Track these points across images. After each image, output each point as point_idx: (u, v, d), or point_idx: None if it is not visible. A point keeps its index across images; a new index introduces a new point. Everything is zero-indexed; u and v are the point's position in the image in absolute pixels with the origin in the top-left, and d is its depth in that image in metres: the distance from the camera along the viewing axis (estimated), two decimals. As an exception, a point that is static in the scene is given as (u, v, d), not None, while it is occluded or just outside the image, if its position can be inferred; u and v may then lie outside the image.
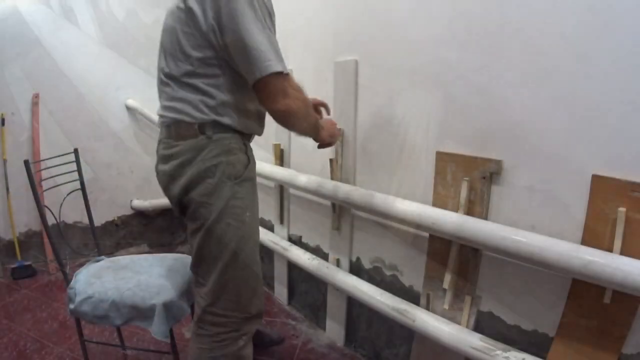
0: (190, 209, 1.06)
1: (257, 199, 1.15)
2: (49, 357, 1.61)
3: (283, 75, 0.97)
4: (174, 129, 1.05)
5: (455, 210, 1.21)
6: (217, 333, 1.06)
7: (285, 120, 1.04)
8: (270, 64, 0.93)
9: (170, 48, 1.03)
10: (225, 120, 1.02)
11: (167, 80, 1.05)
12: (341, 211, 1.67)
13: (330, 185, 1.56)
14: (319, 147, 1.28)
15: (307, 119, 1.09)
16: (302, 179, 1.71)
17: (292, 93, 0.99)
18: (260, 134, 1.19)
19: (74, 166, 1.53)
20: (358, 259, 1.67)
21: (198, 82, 1.01)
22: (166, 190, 1.10)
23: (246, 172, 1.07)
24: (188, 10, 0.97)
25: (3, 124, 2.28)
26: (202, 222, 1.04)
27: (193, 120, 1.01)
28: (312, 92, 1.82)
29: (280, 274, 2.11)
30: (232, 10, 0.92)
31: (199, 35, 0.97)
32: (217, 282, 1.05)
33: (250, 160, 1.09)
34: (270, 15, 1.02)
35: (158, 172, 1.12)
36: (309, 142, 1.83)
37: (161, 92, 1.09)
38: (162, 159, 1.09)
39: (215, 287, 1.06)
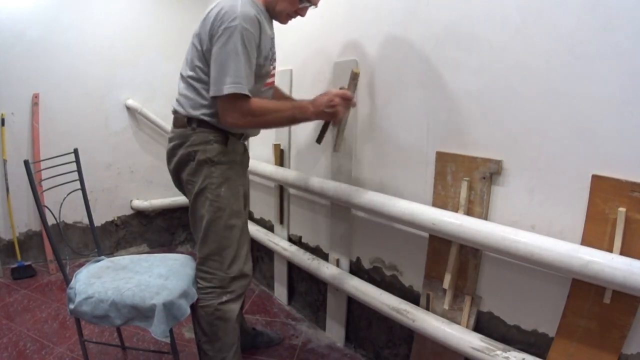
0: (183, 186, 1.33)
1: (236, 178, 1.31)
2: (49, 357, 1.61)
3: (235, 97, 1.15)
4: (174, 118, 1.32)
5: (455, 210, 1.21)
6: (205, 287, 1.29)
7: (242, 129, 1.31)
8: (222, 87, 1.15)
9: (187, 55, 1.29)
10: (208, 119, 1.24)
11: (180, 79, 1.31)
12: (339, 209, 1.67)
13: (330, 185, 1.56)
14: (324, 126, 1.35)
15: (270, 124, 1.37)
16: (302, 179, 1.71)
17: (246, 119, 1.19)
18: (251, 135, 1.41)
19: (74, 166, 1.53)
20: (358, 259, 1.67)
21: (197, 84, 1.25)
22: (168, 165, 1.35)
23: (221, 157, 1.26)
24: (197, 34, 1.24)
25: (3, 124, 2.28)
26: (190, 195, 1.30)
27: (185, 114, 1.26)
28: (311, 92, 1.83)
29: (280, 274, 2.11)
30: (221, 42, 1.15)
31: (201, 53, 1.22)
32: (202, 242, 1.29)
33: (228, 148, 1.28)
34: (257, 50, 1.20)
35: (166, 151, 1.37)
36: (309, 141, 1.83)
37: (178, 88, 1.33)
38: (168, 140, 1.35)
39: (201, 246, 1.30)
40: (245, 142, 1.42)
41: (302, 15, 1.32)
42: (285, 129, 1.95)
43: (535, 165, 1.06)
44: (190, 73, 1.25)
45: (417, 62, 1.33)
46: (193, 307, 1.31)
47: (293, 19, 1.32)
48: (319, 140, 1.37)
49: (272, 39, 1.33)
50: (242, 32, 1.14)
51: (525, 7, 1.04)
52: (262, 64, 1.24)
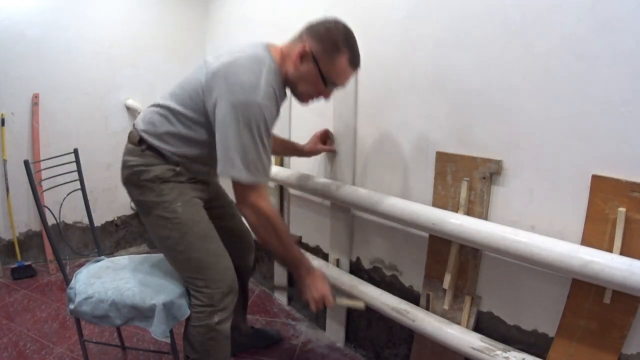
0: (134, 203, 1.26)
1: (189, 191, 1.22)
2: (49, 357, 1.61)
3: (250, 187, 1.09)
4: (130, 132, 1.24)
5: (455, 210, 1.21)
6: (195, 305, 1.21)
7: (249, 226, 1.19)
8: (245, 174, 1.06)
9: (182, 87, 1.18)
10: (165, 152, 1.17)
11: (155, 106, 1.22)
12: (338, 209, 1.67)
13: (330, 185, 1.56)
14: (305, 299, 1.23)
15: (274, 242, 1.16)
16: (302, 179, 1.71)
17: (256, 212, 1.11)
18: (209, 175, 1.29)
19: (74, 166, 1.53)
20: (358, 259, 1.67)
21: (171, 118, 1.16)
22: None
23: (168, 175, 1.18)
24: (204, 81, 1.10)
25: (3, 124, 2.28)
26: (144, 217, 1.22)
27: (141, 133, 1.18)
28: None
29: (280, 274, 2.11)
30: (239, 119, 1.03)
31: (200, 103, 1.12)
32: (178, 265, 1.22)
33: (178, 169, 1.19)
34: (269, 130, 1.10)
35: None
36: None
37: (147, 110, 1.25)
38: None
39: (180, 270, 1.23)
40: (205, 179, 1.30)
41: (327, 98, 1.19)
42: (285, 129, 1.95)
43: (535, 165, 1.06)
44: (172, 105, 1.16)
45: (417, 62, 1.33)
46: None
47: (315, 101, 1.20)
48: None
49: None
50: (264, 113, 1.04)
51: (525, 7, 1.04)
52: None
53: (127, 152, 1.21)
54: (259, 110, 1.03)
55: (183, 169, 1.21)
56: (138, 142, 1.18)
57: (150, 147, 1.17)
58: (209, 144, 1.14)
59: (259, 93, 1.04)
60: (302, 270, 1.21)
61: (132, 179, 1.19)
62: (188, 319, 1.22)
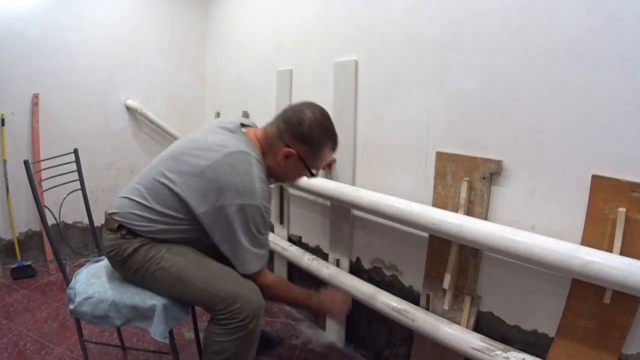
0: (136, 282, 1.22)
1: (173, 246, 1.19)
2: (49, 357, 1.61)
3: (257, 274, 1.16)
4: (106, 219, 1.19)
5: (455, 210, 1.21)
6: (228, 323, 1.13)
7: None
8: (253, 266, 1.14)
9: (151, 181, 1.16)
10: (149, 234, 1.15)
11: (133, 196, 1.17)
12: (340, 211, 1.67)
13: (330, 185, 1.56)
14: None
15: (285, 301, 1.40)
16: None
17: (264, 290, 1.17)
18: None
19: (74, 166, 1.53)
20: (358, 259, 1.67)
21: (151, 211, 1.13)
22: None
23: (150, 241, 1.16)
24: (180, 193, 1.11)
25: (3, 124, 2.28)
26: (142, 282, 1.19)
27: (120, 222, 1.15)
28: (311, 92, 1.83)
29: (280, 274, 2.11)
30: (241, 220, 1.08)
31: (180, 200, 1.11)
32: (195, 302, 1.20)
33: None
34: (267, 224, 1.16)
35: None
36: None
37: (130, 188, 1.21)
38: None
39: (197, 303, 1.20)
40: None
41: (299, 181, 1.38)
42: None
43: (535, 165, 1.06)
44: (156, 206, 1.13)
45: (417, 62, 1.33)
46: (192, 307, 1.27)
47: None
48: None
49: None
50: (263, 212, 1.09)
51: (525, 7, 1.04)
52: None
53: (108, 239, 1.18)
54: (258, 212, 1.09)
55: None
56: (117, 229, 1.15)
57: (130, 234, 1.15)
58: (195, 234, 1.18)
59: (257, 197, 1.08)
60: (312, 305, 1.29)
61: (119, 261, 1.17)
62: (212, 335, 1.16)
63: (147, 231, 1.15)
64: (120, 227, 1.16)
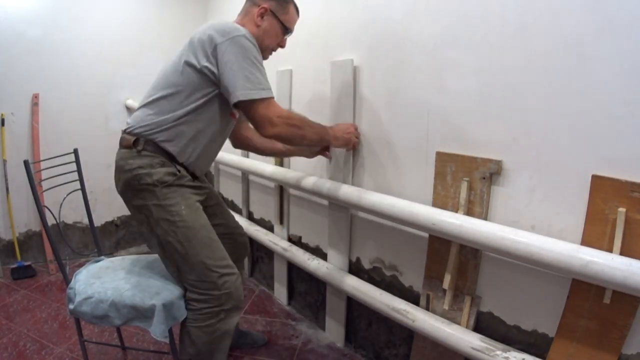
0: (133, 212, 1.25)
1: (190, 195, 1.24)
2: (49, 357, 1.61)
3: (265, 103, 1.15)
4: (121, 137, 1.25)
5: (455, 210, 1.21)
6: (200, 308, 1.20)
7: (282, 141, 1.29)
8: (255, 92, 1.13)
9: (160, 77, 1.25)
10: (164, 144, 1.19)
11: (141, 106, 1.26)
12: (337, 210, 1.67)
13: (330, 185, 1.56)
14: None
15: (304, 140, 1.26)
16: (302, 179, 1.71)
17: (278, 121, 1.16)
18: (192, 168, 1.28)
19: (73, 166, 1.53)
20: (358, 259, 1.67)
21: (166, 105, 1.19)
22: (117, 188, 1.27)
23: (170, 179, 1.19)
24: (185, 60, 1.17)
25: (3, 124, 2.28)
26: (146, 225, 1.22)
27: (137, 132, 1.20)
28: (311, 92, 1.82)
29: (280, 274, 2.11)
30: (233, 51, 1.13)
31: (192, 63, 1.16)
32: (182, 270, 1.21)
33: (175, 173, 1.21)
34: (260, 56, 1.20)
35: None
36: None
37: (136, 112, 1.29)
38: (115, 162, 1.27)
39: (184, 275, 1.21)
40: (200, 179, 1.35)
41: (284, 46, 1.38)
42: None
43: (535, 165, 1.06)
44: (163, 93, 1.19)
45: (417, 62, 1.33)
46: (183, 324, 1.24)
47: (274, 53, 1.38)
48: None
49: None
50: (252, 40, 1.16)
51: (525, 7, 1.04)
52: None
53: (122, 158, 1.21)
54: (247, 40, 1.15)
55: (184, 171, 1.23)
56: (133, 144, 1.19)
57: (147, 148, 1.19)
58: (207, 118, 1.22)
59: (243, 31, 1.16)
60: (329, 134, 1.36)
61: (132, 184, 1.18)
62: (186, 321, 1.22)
63: (161, 130, 1.18)
64: (137, 143, 1.19)
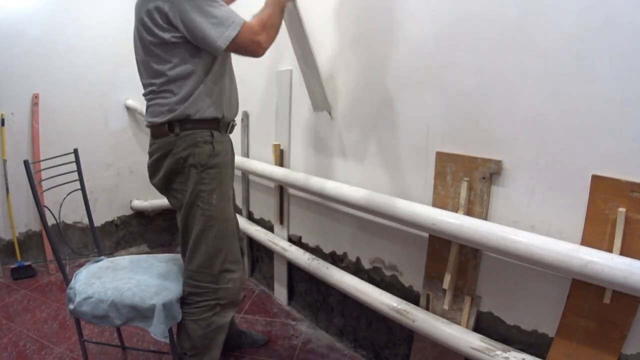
0: (172, 195, 1.27)
1: (228, 181, 1.30)
2: (49, 357, 1.61)
3: (242, 32, 1.14)
4: (151, 131, 1.27)
5: (455, 210, 1.21)
6: (197, 301, 1.25)
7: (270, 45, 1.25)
8: (231, 31, 1.12)
9: (143, 64, 1.25)
10: (190, 112, 1.19)
11: (146, 93, 1.28)
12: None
13: (330, 185, 1.56)
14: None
15: (279, 27, 1.28)
16: (303, 179, 1.71)
17: (261, 38, 1.17)
18: (231, 116, 1.34)
19: (73, 166, 1.53)
20: (358, 259, 1.67)
21: (168, 85, 1.20)
22: (151, 179, 1.31)
23: (212, 160, 1.22)
24: (146, 22, 1.16)
25: (3, 124, 2.28)
26: (180, 205, 1.25)
27: (164, 121, 1.20)
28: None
29: (280, 274, 2.11)
30: (187, 8, 1.11)
31: (160, 40, 1.16)
32: (191, 253, 1.25)
33: (215, 149, 1.24)
34: None
35: (147, 165, 1.33)
36: (309, 141, 1.83)
37: (146, 102, 1.29)
38: (149, 154, 1.30)
39: (190, 259, 1.25)
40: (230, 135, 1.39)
41: None
42: (285, 129, 1.95)
43: (535, 165, 1.06)
44: (154, 81, 1.21)
45: (417, 62, 1.33)
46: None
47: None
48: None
49: None
50: None
51: (525, 7, 1.04)
52: None
53: (163, 145, 1.22)
54: None
55: (217, 142, 1.24)
56: (169, 130, 1.20)
57: (186, 127, 1.20)
58: (212, 68, 1.22)
59: None
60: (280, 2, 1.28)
61: (176, 167, 1.21)
62: (183, 315, 1.25)
63: (187, 106, 1.19)
64: (171, 127, 1.20)
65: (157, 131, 1.24)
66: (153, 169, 1.29)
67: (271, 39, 1.22)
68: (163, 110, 1.21)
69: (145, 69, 1.24)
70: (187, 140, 1.20)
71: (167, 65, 1.18)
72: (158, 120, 1.21)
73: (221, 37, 1.12)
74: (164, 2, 1.11)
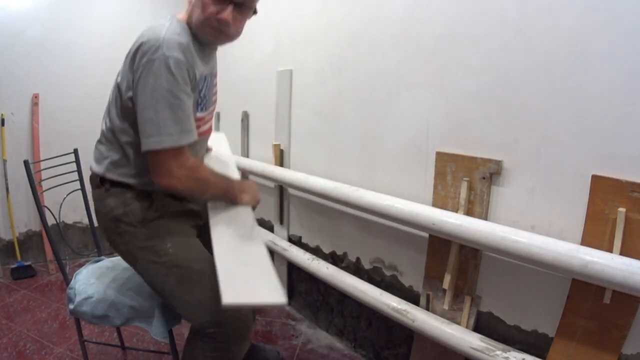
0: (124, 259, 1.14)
1: (182, 223, 1.14)
2: (49, 357, 1.61)
3: (171, 153, 0.95)
4: (89, 176, 1.13)
5: (455, 210, 1.21)
6: (206, 341, 1.08)
7: (177, 193, 1.07)
8: (155, 139, 0.93)
9: (108, 103, 1.10)
10: (124, 179, 1.05)
11: (100, 133, 1.11)
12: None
13: (330, 185, 1.55)
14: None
15: (205, 195, 1.07)
16: (303, 179, 1.71)
17: (179, 173, 0.96)
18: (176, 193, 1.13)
19: (74, 166, 1.53)
20: (358, 259, 1.67)
21: (112, 139, 1.06)
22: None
23: (150, 213, 1.07)
24: (119, 76, 1.03)
25: (3, 124, 2.28)
26: (135, 266, 1.11)
27: (98, 173, 1.07)
28: (312, 92, 1.82)
29: (280, 274, 2.11)
30: (143, 82, 0.93)
31: (120, 100, 1.01)
32: (181, 309, 1.10)
33: (156, 203, 1.08)
34: (192, 82, 0.99)
35: None
36: (309, 141, 1.83)
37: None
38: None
39: (182, 313, 1.11)
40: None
41: (226, 19, 0.99)
42: (285, 129, 1.95)
43: (535, 165, 1.06)
44: (107, 125, 1.06)
45: (417, 62, 1.33)
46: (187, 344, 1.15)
47: (223, 33, 1.04)
48: None
49: (209, 76, 1.09)
50: (169, 62, 0.91)
51: (525, 7, 1.04)
52: (190, 106, 1.00)
53: (96, 199, 1.10)
54: (161, 62, 0.91)
55: (156, 198, 1.09)
56: (101, 183, 1.07)
57: (115, 184, 1.06)
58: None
59: (162, 47, 0.92)
60: (235, 190, 1.12)
61: (110, 227, 1.07)
62: (196, 347, 1.11)
63: (118, 166, 1.05)
64: (104, 181, 1.06)
65: (91, 179, 1.12)
66: (97, 221, 1.15)
67: (186, 189, 1.02)
68: (100, 162, 1.08)
69: (107, 109, 1.10)
70: (118, 199, 1.06)
71: (117, 121, 1.04)
72: (94, 170, 1.09)
73: (147, 138, 0.93)
74: (140, 57, 0.93)
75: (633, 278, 0.82)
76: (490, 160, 1.14)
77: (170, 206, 1.11)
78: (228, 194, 1.11)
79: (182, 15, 1.07)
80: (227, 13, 1.00)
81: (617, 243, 0.90)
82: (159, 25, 0.97)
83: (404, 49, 1.36)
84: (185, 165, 0.97)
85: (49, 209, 1.48)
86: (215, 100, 1.22)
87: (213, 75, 1.15)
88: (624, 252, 0.89)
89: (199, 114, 1.08)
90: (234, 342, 1.08)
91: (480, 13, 1.14)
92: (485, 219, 1.16)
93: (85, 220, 2.29)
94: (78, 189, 1.53)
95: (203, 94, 1.08)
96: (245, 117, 2.30)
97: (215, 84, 1.19)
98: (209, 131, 1.20)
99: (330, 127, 1.70)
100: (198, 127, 1.08)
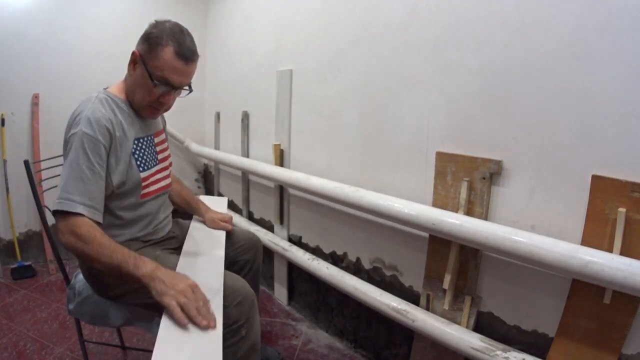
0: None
1: (155, 252, 1.13)
2: (49, 357, 1.61)
3: (66, 215, 0.96)
4: None
5: (455, 210, 1.21)
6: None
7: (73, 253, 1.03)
8: (57, 202, 0.97)
9: None
10: None
11: None
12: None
13: (330, 185, 1.56)
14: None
15: (92, 262, 0.98)
16: (303, 179, 1.71)
17: (65, 235, 0.97)
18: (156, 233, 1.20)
19: (73, 166, 1.52)
20: (358, 259, 1.67)
21: None
22: None
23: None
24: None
25: (3, 124, 2.28)
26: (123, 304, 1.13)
27: None
28: (312, 92, 1.82)
29: (280, 274, 2.11)
30: (66, 152, 1.03)
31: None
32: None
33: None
34: (113, 151, 1.05)
35: None
36: (309, 141, 1.84)
37: None
38: None
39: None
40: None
41: (168, 103, 1.10)
42: (285, 129, 1.95)
43: (535, 165, 1.06)
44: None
45: (416, 62, 1.33)
46: None
47: (161, 111, 1.14)
48: None
49: (146, 138, 1.16)
50: (83, 139, 0.99)
51: (525, 7, 1.04)
52: (122, 172, 1.06)
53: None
54: (78, 138, 1.00)
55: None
56: None
57: None
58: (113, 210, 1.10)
59: (80, 123, 1.03)
60: (139, 273, 0.92)
61: (92, 280, 1.12)
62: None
63: None
64: None
65: None
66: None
67: (75, 251, 0.97)
68: None
69: None
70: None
71: None
72: None
73: (57, 198, 0.98)
74: (67, 130, 1.05)
75: (633, 278, 0.82)
76: (490, 160, 1.14)
77: (147, 253, 1.06)
78: (126, 275, 0.94)
79: (117, 86, 1.16)
80: (172, 98, 1.11)
81: (617, 243, 0.90)
82: (87, 100, 1.09)
83: (404, 49, 1.36)
84: (74, 232, 0.96)
85: (49, 209, 1.48)
86: (166, 159, 1.26)
87: (153, 136, 1.21)
88: (624, 252, 0.89)
89: (142, 174, 1.12)
90: (239, 323, 1.05)
91: (480, 13, 1.14)
92: (485, 219, 1.16)
93: (85, 220, 2.29)
94: (78, 189, 1.53)
95: (138, 155, 1.13)
96: (246, 117, 2.30)
97: (162, 142, 1.26)
98: (163, 189, 1.23)
99: (330, 127, 1.70)
100: (146, 187, 1.14)
